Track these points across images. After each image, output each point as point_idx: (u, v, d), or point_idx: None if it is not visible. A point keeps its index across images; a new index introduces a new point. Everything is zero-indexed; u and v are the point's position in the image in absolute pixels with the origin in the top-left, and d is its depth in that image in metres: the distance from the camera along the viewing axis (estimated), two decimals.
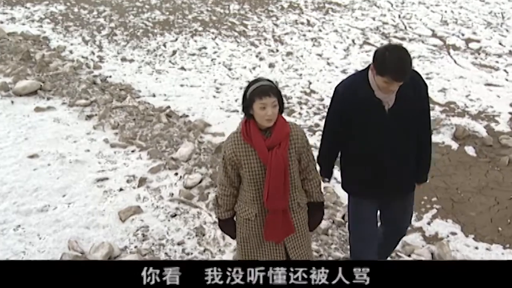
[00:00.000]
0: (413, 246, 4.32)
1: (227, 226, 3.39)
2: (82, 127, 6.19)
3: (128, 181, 5.17)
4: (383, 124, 3.14)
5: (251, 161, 3.07)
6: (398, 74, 2.94)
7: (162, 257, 4.21)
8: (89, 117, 6.41)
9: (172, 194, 4.96)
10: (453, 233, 4.54)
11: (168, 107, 6.66)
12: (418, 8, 10.16)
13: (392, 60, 2.94)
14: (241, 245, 3.32)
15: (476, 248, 4.38)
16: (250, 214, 3.19)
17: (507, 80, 7.24)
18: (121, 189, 5.05)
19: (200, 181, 5.09)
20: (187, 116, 6.50)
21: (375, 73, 3.04)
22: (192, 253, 4.26)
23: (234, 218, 3.35)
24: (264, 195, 3.07)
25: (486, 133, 6.00)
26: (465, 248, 4.37)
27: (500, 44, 8.39)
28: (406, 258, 4.19)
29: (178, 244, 4.36)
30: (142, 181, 5.14)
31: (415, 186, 3.50)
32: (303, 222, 3.27)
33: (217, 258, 4.21)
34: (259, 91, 2.96)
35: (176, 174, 5.26)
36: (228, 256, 4.21)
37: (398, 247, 4.28)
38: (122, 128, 6.10)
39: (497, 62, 7.79)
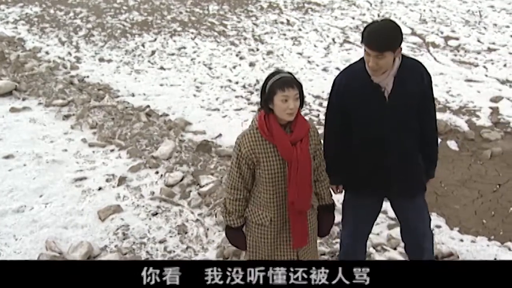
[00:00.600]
0: (398, 240, 4.26)
1: (238, 236, 3.10)
2: (59, 127, 6.05)
3: (107, 180, 5.04)
4: (383, 113, 2.99)
5: (271, 159, 2.86)
6: (371, 40, 2.84)
7: (144, 255, 4.10)
8: (66, 117, 6.27)
9: (153, 193, 4.85)
10: (438, 226, 4.50)
11: (148, 106, 6.55)
12: (397, 7, 10.19)
13: (372, 27, 2.87)
14: (251, 253, 3.11)
15: (461, 240, 4.34)
16: (264, 219, 2.95)
17: (486, 76, 7.27)
18: (100, 188, 4.92)
19: (182, 179, 4.99)
20: (167, 115, 6.39)
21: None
22: (174, 251, 4.15)
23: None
24: (290, 195, 2.86)
25: (468, 127, 6.00)
26: (450, 240, 4.33)
27: (478, 41, 8.44)
28: (392, 251, 4.14)
29: (160, 242, 4.25)
30: (122, 180, 5.02)
31: (425, 187, 3.31)
32: (314, 226, 3.11)
33: (200, 256, 4.11)
34: (282, 82, 2.77)
35: (157, 172, 5.15)
36: (211, 253, 4.11)
37: (383, 240, 4.24)
38: (100, 128, 5.96)
39: (476, 58, 7.83)
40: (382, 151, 3.07)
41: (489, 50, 8.12)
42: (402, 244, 4.18)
